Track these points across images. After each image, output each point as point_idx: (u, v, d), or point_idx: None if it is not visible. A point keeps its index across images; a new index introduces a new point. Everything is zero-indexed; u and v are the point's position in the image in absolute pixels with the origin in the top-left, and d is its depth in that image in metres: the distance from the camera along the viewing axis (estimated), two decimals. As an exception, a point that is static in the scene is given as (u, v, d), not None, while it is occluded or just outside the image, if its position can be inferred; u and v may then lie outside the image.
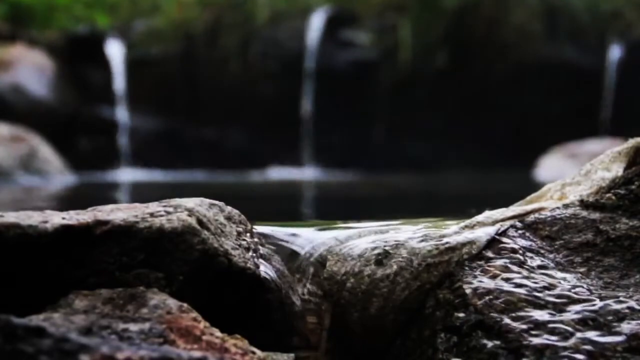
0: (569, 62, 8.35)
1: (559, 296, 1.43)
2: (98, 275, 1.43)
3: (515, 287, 1.45)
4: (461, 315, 1.44)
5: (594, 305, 1.41)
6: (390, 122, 8.60)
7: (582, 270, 1.52)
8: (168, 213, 1.49)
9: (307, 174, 8.39)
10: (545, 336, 1.36)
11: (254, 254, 1.58)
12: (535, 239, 1.59)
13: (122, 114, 8.80)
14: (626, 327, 1.37)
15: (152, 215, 1.48)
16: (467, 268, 1.51)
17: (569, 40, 8.45)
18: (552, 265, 1.53)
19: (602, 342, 1.34)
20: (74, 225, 1.43)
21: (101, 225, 1.45)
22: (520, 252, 1.54)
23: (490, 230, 1.58)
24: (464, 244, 1.54)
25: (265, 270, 1.58)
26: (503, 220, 1.63)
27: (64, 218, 1.45)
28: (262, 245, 1.65)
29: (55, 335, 1.08)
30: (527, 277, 1.48)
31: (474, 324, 1.41)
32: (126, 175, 8.35)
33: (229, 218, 1.60)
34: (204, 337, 1.33)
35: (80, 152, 8.35)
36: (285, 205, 4.22)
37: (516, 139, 8.15)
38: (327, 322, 1.60)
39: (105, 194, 5.72)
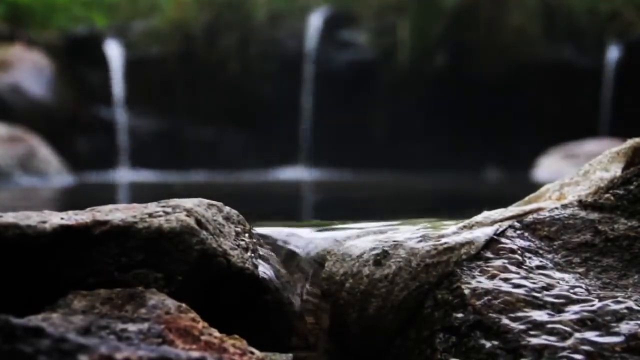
0: (568, 63, 8.35)
1: (557, 296, 1.44)
2: (97, 275, 1.43)
3: (514, 287, 1.45)
4: (460, 315, 1.44)
5: (592, 305, 1.41)
6: (389, 122, 8.61)
7: (580, 270, 1.52)
8: (167, 213, 1.49)
9: (305, 174, 8.39)
10: (544, 336, 1.36)
11: (253, 254, 1.58)
12: (533, 239, 1.59)
13: (120, 114, 8.79)
14: (625, 327, 1.37)
15: (150, 215, 1.48)
16: (465, 268, 1.51)
17: (568, 40, 8.45)
18: (550, 265, 1.53)
19: (600, 342, 1.34)
20: (72, 225, 1.43)
21: (100, 226, 1.45)
22: (519, 252, 1.54)
23: (489, 231, 1.58)
24: (462, 245, 1.54)
25: (264, 270, 1.58)
26: (502, 220, 1.63)
27: (62, 218, 1.45)
28: (261, 245, 1.65)
29: (54, 335, 1.08)
30: (525, 278, 1.48)
31: (472, 324, 1.41)
32: (125, 175, 8.35)
33: (227, 218, 1.60)
34: (203, 337, 1.33)
35: (79, 153, 8.34)
36: (284, 206, 4.22)
37: (515, 139, 8.15)
38: (326, 323, 1.60)
39: (103, 195, 5.72)
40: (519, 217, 1.64)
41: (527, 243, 1.58)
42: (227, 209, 1.62)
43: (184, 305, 1.38)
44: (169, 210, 1.50)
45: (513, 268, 1.50)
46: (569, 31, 8.46)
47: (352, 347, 1.58)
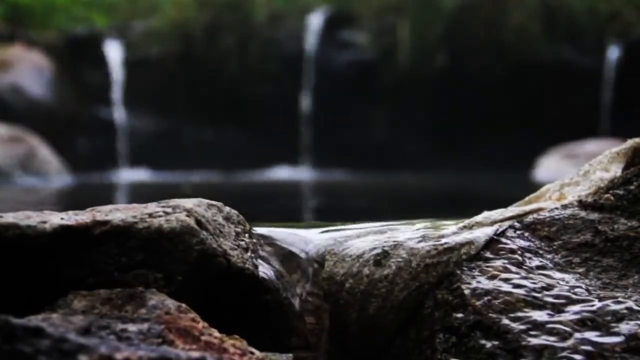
0: (568, 63, 8.35)
1: (557, 297, 1.44)
2: (97, 275, 1.43)
3: (514, 287, 1.45)
4: (460, 315, 1.44)
5: (592, 305, 1.41)
6: (389, 122, 8.61)
7: (580, 270, 1.52)
8: (167, 213, 1.49)
9: (305, 174, 8.39)
10: (544, 337, 1.36)
11: (253, 255, 1.58)
12: (533, 240, 1.59)
13: (120, 114, 8.80)
14: (625, 327, 1.37)
15: (150, 215, 1.48)
16: (465, 268, 1.51)
17: (568, 40, 8.46)
18: (550, 265, 1.53)
19: (600, 342, 1.34)
20: (72, 225, 1.43)
21: (100, 226, 1.45)
22: (519, 252, 1.54)
23: (489, 231, 1.58)
24: (462, 245, 1.54)
25: (264, 270, 1.58)
26: (502, 220, 1.63)
27: (62, 218, 1.45)
28: (261, 245, 1.65)
29: (54, 335, 1.08)
30: (525, 278, 1.48)
31: (472, 324, 1.41)
32: (125, 175, 8.36)
33: (227, 218, 1.60)
34: (203, 338, 1.33)
35: (79, 153, 8.35)
36: (284, 206, 4.22)
37: (515, 140, 8.15)
38: (326, 323, 1.60)
39: (103, 195, 5.72)
40: (519, 217, 1.64)
41: (527, 243, 1.58)
42: (227, 209, 1.62)
43: (184, 305, 1.38)
44: (169, 210, 1.50)
45: (513, 268, 1.50)
46: (569, 31, 8.46)
47: (352, 347, 1.58)
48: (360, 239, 1.64)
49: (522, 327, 1.38)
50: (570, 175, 1.79)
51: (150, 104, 8.88)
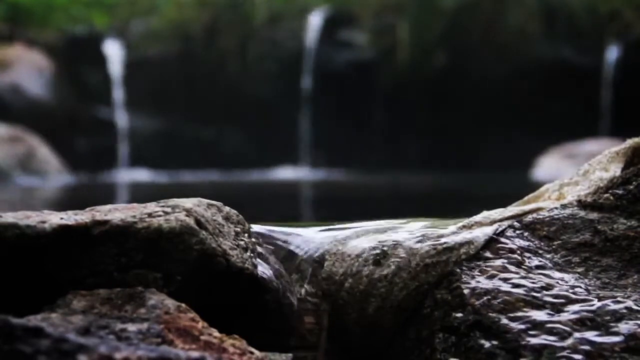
0: (567, 62, 8.35)
1: (557, 296, 1.44)
2: (96, 275, 1.43)
3: (513, 287, 1.45)
4: (459, 315, 1.44)
5: (592, 305, 1.41)
6: (388, 122, 8.61)
7: (580, 270, 1.52)
8: (166, 213, 1.49)
9: (305, 174, 8.40)
10: (543, 336, 1.36)
11: (252, 254, 1.58)
12: (533, 239, 1.59)
13: (120, 114, 8.80)
14: (624, 327, 1.37)
15: (150, 215, 1.48)
16: (465, 268, 1.51)
17: (567, 40, 8.46)
18: (550, 265, 1.53)
19: (600, 342, 1.34)
20: (72, 225, 1.43)
21: (99, 226, 1.45)
22: (519, 252, 1.54)
23: (488, 231, 1.58)
24: (462, 244, 1.54)
25: (264, 270, 1.58)
26: (501, 220, 1.63)
27: (62, 218, 1.45)
28: (260, 245, 1.65)
29: (54, 335, 1.08)
30: (525, 277, 1.48)
31: (472, 324, 1.41)
32: (124, 175, 8.36)
33: (227, 218, 1.60)
34: (202, 337, 1.33)
35: (79, 153, 8.35)
36: (284, 206, 4.22)
37: (515, 139, 8.16)
38: (325, 322, 1.60)
39: (103, 195, 5.72)
40: (518, 217, 1.64)
41: (527, 243, 1.58)
42: (226, 208, 1.62)
43: (183, 305, 1.38)
44: (168, 210, 1.50)
45: (512, 268, 1.50)
46: (569, 31, 8.47)
47: (352, 347, 1.58)
48: (360, 238, 1.64)
49: (522, 326, 1.38)
50: (570, 175, 1.79)
51: (150, 104, 8.89)
